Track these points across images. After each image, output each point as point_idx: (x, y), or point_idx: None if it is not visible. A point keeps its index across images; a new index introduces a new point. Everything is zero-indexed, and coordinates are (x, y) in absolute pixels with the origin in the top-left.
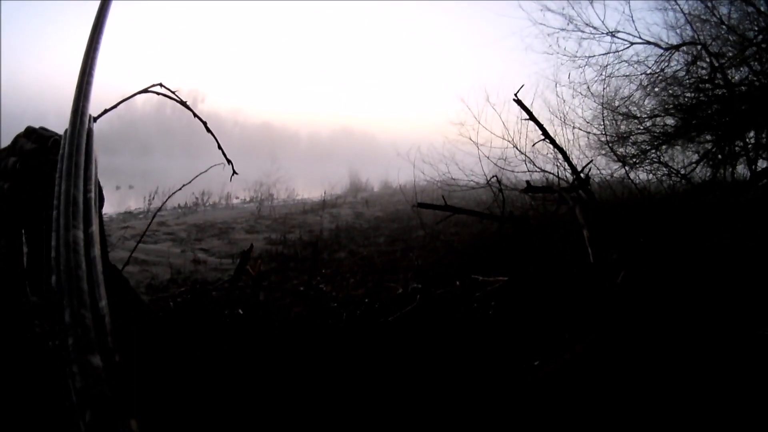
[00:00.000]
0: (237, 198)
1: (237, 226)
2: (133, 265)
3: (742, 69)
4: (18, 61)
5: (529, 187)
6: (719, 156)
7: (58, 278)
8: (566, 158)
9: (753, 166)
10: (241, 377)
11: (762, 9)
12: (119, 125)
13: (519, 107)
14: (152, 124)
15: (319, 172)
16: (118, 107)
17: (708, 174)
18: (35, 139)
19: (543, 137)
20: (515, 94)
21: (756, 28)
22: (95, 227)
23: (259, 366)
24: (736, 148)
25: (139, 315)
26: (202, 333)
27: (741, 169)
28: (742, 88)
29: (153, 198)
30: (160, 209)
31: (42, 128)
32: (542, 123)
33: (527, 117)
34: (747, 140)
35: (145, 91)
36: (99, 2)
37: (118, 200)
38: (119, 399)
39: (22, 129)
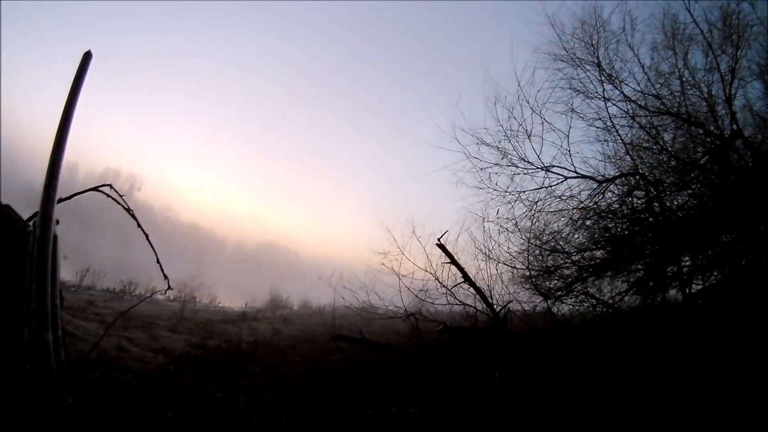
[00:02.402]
0: (161, 294)
1: (161, 322)
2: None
3: (681, 194)
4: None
5: (446, 328)
6: (650, 283)
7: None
8: (484, 299)
9: (686, 290)
10: None
11: (711, 129)
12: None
13: (441, 251)
14: (91, 200)
15: (242, 282)
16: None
17: (637, 302)
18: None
19: (463, 279)
20: (439, 239)
21: (701, 150)
22: (61, 331)
23: None
24: (669, 273)
25: None
26: None
27: (673, 293)
28: (679, 214)
29: (85, 275)
30: None
31: (7, 207)
32: (466, 260)
33: (449, 261)
34: (682, 264)
35: (95, 189)
36: (63, 110)
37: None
38: None
39: None
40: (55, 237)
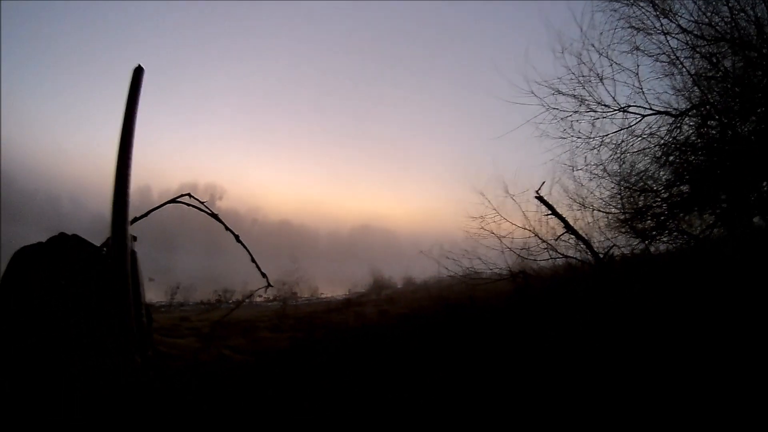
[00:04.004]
0: (260, 296)
1: (261, 324)
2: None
3: (750, 120)
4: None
5: (553, 283)
6: (734, 214)
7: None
8: (588, 246)
9: None
10: None
11: (764, 51)
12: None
13: (541, 203)
14: (171, 218)
15: (341, 270)
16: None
17: (724, 233)
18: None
19: (565, 230)
20: (537, 191)
21: (759, 73)
22: (151, 351)
23: None
24: (751, 200)
25: None
26: None
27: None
28: (752, 138)
29: (175, 293)
30: None
31: (75, 236)
32: (563, 211)
33: (549, 212)
34: (762, 191)
35: (174, 201)
36: (121, 128)
37: None
38: None
39: (34, 207)
40: (134, 254)
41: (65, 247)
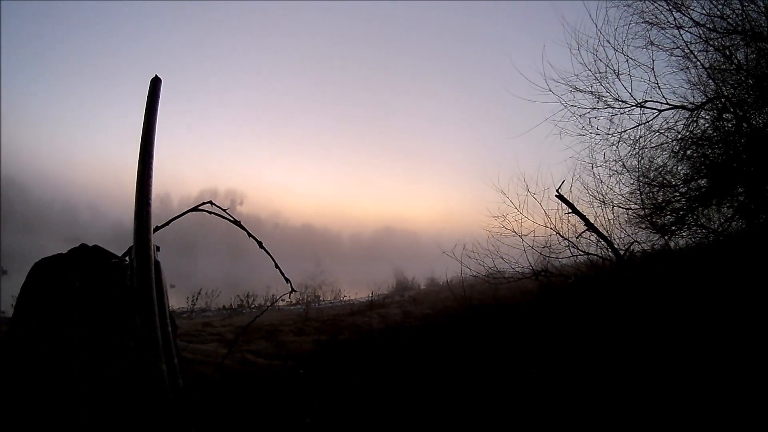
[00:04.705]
0: (282, 300)
1: (285, 328)
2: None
3: (764, 111)
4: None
5: (576, 279)
6: (752, 206)
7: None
8: (609, 243)
9: None
10: None
11: None
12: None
13: (561, 202)
14: (192, 225)
15: (364, 272)
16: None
17: (743, 226)
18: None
19: (586, 228)
20: (557, 190)
21: None
22: (177, 359)
23: None
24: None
25: None
26: None
27: None
28: (766, 131)
29: (197, 299)
30: None
31: (96, 247)
32: (582, 208)
33: (570, 210)
34: None
35: (195, 209)
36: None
37: None
38: None
39: (51, 217)
40: (158, 264)
41: (86, 258)
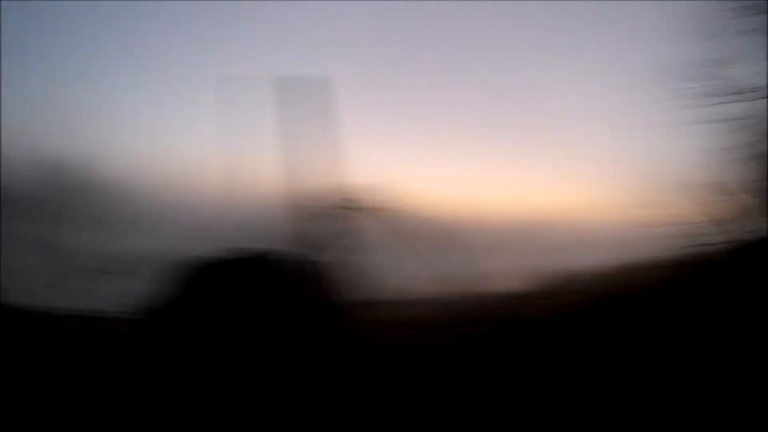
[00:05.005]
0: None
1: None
2: None
3: None
4: None
5: None
6: None
7: None
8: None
9: None
10: None
11: None
12: None
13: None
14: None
15: (516, 262)
16: None
17: None
18: None
19: (729, 214)
20: (693, 179)
21: None
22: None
23: None
24: None
25: None
26: None
27: None
28: None
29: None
30: None
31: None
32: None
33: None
34: None
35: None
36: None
37: None
38: None
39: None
40: (339, 263)
41: (266, 260)
